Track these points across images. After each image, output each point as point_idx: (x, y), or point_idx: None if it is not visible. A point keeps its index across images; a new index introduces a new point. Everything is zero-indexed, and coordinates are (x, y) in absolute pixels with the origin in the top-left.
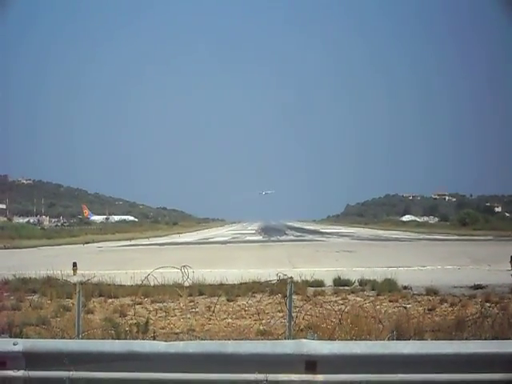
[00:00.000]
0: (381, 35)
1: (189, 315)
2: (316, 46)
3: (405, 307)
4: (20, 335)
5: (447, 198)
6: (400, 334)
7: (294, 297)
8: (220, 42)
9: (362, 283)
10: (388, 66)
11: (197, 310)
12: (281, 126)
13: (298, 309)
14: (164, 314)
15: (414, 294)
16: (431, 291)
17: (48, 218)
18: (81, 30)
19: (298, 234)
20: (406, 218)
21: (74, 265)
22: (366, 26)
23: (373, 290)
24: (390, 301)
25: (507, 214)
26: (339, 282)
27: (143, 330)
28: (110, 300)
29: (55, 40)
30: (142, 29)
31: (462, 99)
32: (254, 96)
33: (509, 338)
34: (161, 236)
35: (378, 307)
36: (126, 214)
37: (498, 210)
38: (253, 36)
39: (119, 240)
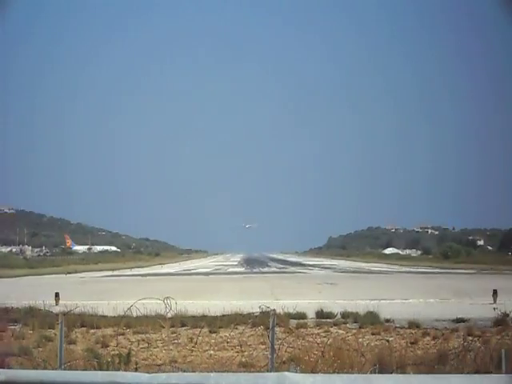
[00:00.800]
0: (381, 35)
1: (171, 346)
2: (316, 45)
3: (387, 340)
4: (2, 365)
5: (430, 231)
6: (382, 368)
7: (277, 329)
8: (220, 42)
9: (345, 316)
10: (388, 67)
11: (179, 341)
12: (264, 157)
13: (280, 341)
14: (146, 345)
15: (396, 327)
16: (413, 324)
17: (31, 247)
18: (78, 33)
19: (281, 265)
20: (389, 250)
21: (57, 295)
22: (367, 26)
23: (355, 322)
24: (373, 334)
25: (489, 248)
26: (322, 315)
27: (125, 361)
28: (93, 330)
29: (55, 40)
30: (139, 35)
31: (448, 123)
32: (247, 110)
33: (491, 372)
34: (143, 267)
35: (360, 340)
36: (109, 245)
37: (481, 243)
38: (253, 36)
39: (101, 270)
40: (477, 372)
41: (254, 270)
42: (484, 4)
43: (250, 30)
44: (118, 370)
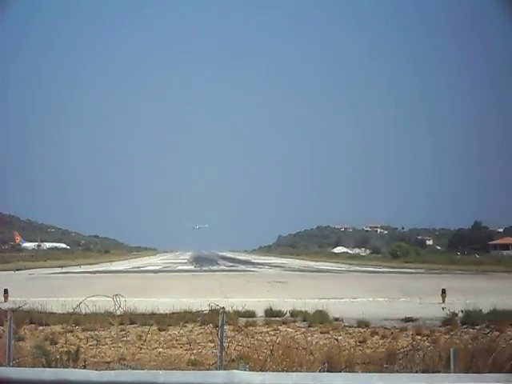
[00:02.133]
0: (382, 34)
1: (120, 344)
2: (316, 45)
3: (336, 339)
4: None
5: (379, 230)
6: (331, 366)
7: (226, 327)
8: (219, 41)
9: (294, 314)
10: (389, 67)
11: (128, 338)
12: (222, 159)
13: (229, 339)
14: (95, 342)
15: (345, 326)
16: (362, 323)
17: None
18: (78, 33)
19: (230, 264)
20: (338, 249)
21: (5, 291)
22: (367, 26)
23: (304, 321)
24: (322, 332)
25: (438, 247)
26: (271, 313)
27: (74, 359)
28: (41, 327)
29: (55, 39)
30: (141, 29)
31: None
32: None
33: (439, 371)
34: (92, 264)
35: (309, 338)
36: (58, 242)
37: (430, 243)
38: (253, 35)
39: (51, 267)
40: (425, 371)
41: (204, 268)
42: (485, 4)
43: (249, 29)
44: (67, 367)
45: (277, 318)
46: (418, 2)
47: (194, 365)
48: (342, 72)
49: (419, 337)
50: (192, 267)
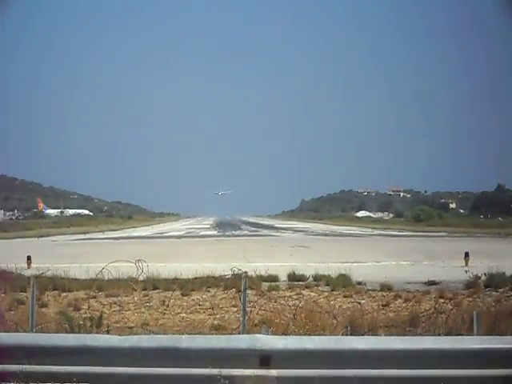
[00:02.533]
0: (381, 34)
1: (143, 309)
2: (316, 45)
3: (359, 303)
4: None
5: (402, 194)
6: (354, 330)
7: (249, 291)
8: (219, 41)
9: (317, 278)
10: (388, 67)
11: (151, 304)
12: (243, 124)
13: (252, 303)
14: (118, 308)
15: (368, 290)
16: (385, 287)
17: (2, 211)
18: (78, 32)
19: (253, 228)
20: (361, 213)
21: (29, 258)
22: (367, 26)
23: (327, 285)
24: (345, 296)
25: (461, 211)
26: (293, 277)
27: (97, 324)
28: (64, 294)
29: (55, 39)
30: (140, 29)
31: (442, 100)
32: (236, 96)
33: (462, 334)
34: (115, 230)
35: (332, 302)
36: (81, 208)
37: (453, 206)
38: (252, 35)
39: (74, 234)
40: (448, 334)
41: (227, 233)
42: (484, 4)
43: (249, 29)
44: (90, 332)
45: (300, 283)
46: (417, 1)
47: (217, 329)
48: (342, 72)
49: (442, 300)
50: (215, 232)
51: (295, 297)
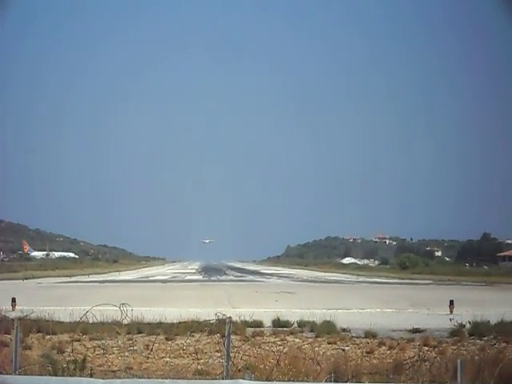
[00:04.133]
0: (382, 35)
1: (127, 353)
2: (317, 45)
3: (343, 349)
4: None
5: (388, 241)
6: (338, 377)
7: (233, 337)
8: (219, 41)
9: (301, 325)
10: (389, 67)
11: (135, 348)
12: (231, 169)
13: (236, 349)
14: (102, 351)
15: (352, 337)
16: (370, 334)
17: None
18: (78, 33)
19: (239, 274)
20: (347, 260)
21: (13, 300)
22: (368, 26)
23: (312, 331)
24: (329, 343)
25: (447, 259)
26: (278, 323)
27: (80, 367)
28: (49, 336)
29: (55, 40)
30: (139, 33)
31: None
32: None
33: (446, 382)
34: (101, 273)
35: (316, 349)
36: (67, 251)
37: (438, 254)
38: (253, 35)
39: (59, 276)
40: (432, 382)
41: (212, 278)
42: (484, 4)
43: (250, 29)
44: (74, 375)
45: (284, 329)
46: (417, 2)
47: (201, 374)
48: (342, 72)
49: (426, 348)
50: (200, 277)
51: (279, 343)
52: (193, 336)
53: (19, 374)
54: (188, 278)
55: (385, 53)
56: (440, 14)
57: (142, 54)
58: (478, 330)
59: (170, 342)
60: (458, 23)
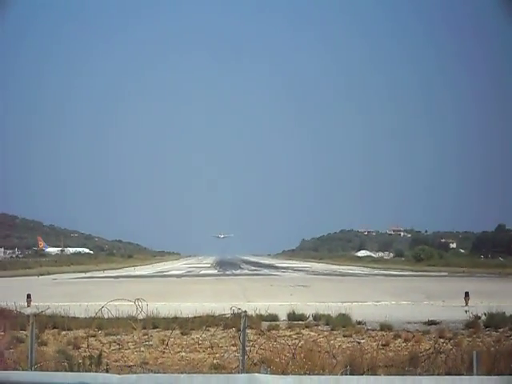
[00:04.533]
0: (382, 34)
1: (142, 348)
2: (317, 45)
3: (358, 342)
4: None
5: (402, 233)
6: (353, 369)
7: (248, 331)
8: (219, 41)
9: (317, 318)
10: (389, 67)
11: (151, 343)
12: (245, 162)
13: (251, 343)
14: (117, 346)
15: (368, 329)
16: (385, 326)
17: (3, 249)
18: (78, 33)
19: (253, 268)
20: (362, 253)
21: (28, 296)
22: (367, 26)
23: (327, 324)
24: (344, 336)
25: (462, 251)
26: (293, 317)
27: (96, 363)
28: (64, 332)
29: (55, 40)
30: (139, 34)
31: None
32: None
33: (462, 374)
34: (116, 269)
35: (331, 342)
36: (82, 247)
37: (453, 246)
38: (253, 35)
39: (74, 272)
40: (448, 374)
41: (227, 273)
42: (484, 4)
43: (249, 29)
44: (89, 371)
45: (299, 322)
46: (417, 2)
47: (217, 368)
48: (342, 72)
49: (442, 340)
50: (215, 271)
51: (295, 336)
52: (208, 330)
53: (35, 370)
54: (203, 272)
55: (385, 53)
56: (440, 14)
57: (141, 54)
58: (494, 321)
59: (185, 337)
60: (458, 23)
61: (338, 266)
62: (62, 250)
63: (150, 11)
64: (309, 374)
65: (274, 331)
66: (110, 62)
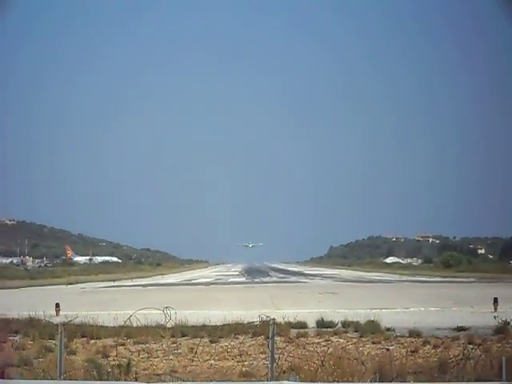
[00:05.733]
0: (381, 35)
1: (171, 356)
2: (316, 46)
3: (387, 349)
4: (2, 376)
5: (431, 240)
6: (382, 376)
7: (277, 338)
8: (219, 42)
9: (345, 325)
10: (389, 68)
11: (179, 351)
12: (268, 163)
13: (280, 350)
14: (146, 355)
15: (396, 336)
16: (414, 333)
17: (31, 258)
18: (78, 33)
19: (282, 275)
20: (390, 259)
21: (57, 305)
22: (367, 27)
23: (356, 331)
24: (373, 343)
25: (490, 256)
26: (322, 324)
27: (125, 371)
28: (93, 341)
29: (55, 40)
30: (139, 35)
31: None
32: (247, 114)
33: (491, 380)
34: (144, 277)
35: (360, 349)
36: (110, 255)
37: (482, 251)
38: (252, 37)
39: (102, 281)
40: (477, 380)
41: (255, 280)
42: (484, 4)
43: (249, 31)
44: (119, 380)
45: (328, 329)
46: (417, 2)
47: (246, 376)
48: (341, 73)
49: (471, 346)
50: (243, 279)
51: (323, 343)
52: (237, 338)
53: (64, 379)
54: (231, 280)
55: (384, 53)
56: (440, 14)
57: (141, 53)
58: None
59: (214, 345)
60: (458, 23)
61: (366, 273)
62: (90, 259)
63: (153, 14)
64: (338, 382)
65: (302, 338)
66: (110, 61)
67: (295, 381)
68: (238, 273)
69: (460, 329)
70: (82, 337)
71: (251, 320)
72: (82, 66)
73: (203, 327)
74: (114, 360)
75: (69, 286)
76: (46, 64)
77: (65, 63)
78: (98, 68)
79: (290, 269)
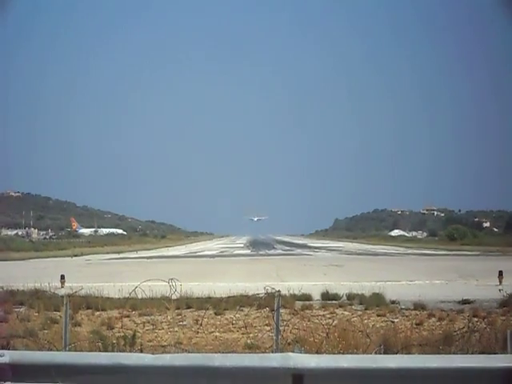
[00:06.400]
0: (381, 34)
1: (176, 328)
2: (316, 45)
3: (392, 321)
4: (7, 347)
5: (436, 213)
6: (387, 348)
7: (282, 310)
8: (219, 42)
9: (350, 297)
10: (388, 67)
11: (184, 323)
12: (273, 137)
13: (285, 322)
14: (151, 326)
15: (401, 309)
16: (419, 306)
17: (36, 230)
18: (79, 33)
19: (287, 248)
20: (395, 232)
21: (62, 277)
22: (367, 26)
23: (361, 304)
24: (378, 315)
25: (495, 230)
26: (327, 296)
27: (130, 343)
28: (98, 313)
29: (55, 40)
30: (139, 34)
31: (457, 110)
32: (249, 105)
33: (496, 353)
34: (149, 249)
35: (365, 321)
36: (115, 227)
37: (487, 225)
38: (252, 36)
39: (107, 253)
40: (482, 352)
41: (260, 253)
42: (484, 4)
43: (249, 30)
44: (123, 351)
45: (333, 302)
46: (417, 2)
47: (251, 348)
48: (341, 72)
49: (476, 319)
50: (249, 251)
51: (328, 316)
52: (242, 310)
53: (69, 351)
54: (236, 252)
55: (384, 53)
56: (440, 14)
57: (141, 53)
58: None
59: (219, 317)
60: (458, 23)
61: (371, 246)
62: (95, 231)
63: (152, 13)
64: (343, 353)
65: (307, 311)
66: (110, 61)
67: (300, 352)
68: (242, 245)
69: (465, 302)
70: (87, 308)
71: (256, 292)
72: (83, 64)
73: (208, 299)
74: (118, 332)
75: (74, 257)
76: (46, 63)
77: (65, 61)
78: (100, 63)
79: (294, 241)
